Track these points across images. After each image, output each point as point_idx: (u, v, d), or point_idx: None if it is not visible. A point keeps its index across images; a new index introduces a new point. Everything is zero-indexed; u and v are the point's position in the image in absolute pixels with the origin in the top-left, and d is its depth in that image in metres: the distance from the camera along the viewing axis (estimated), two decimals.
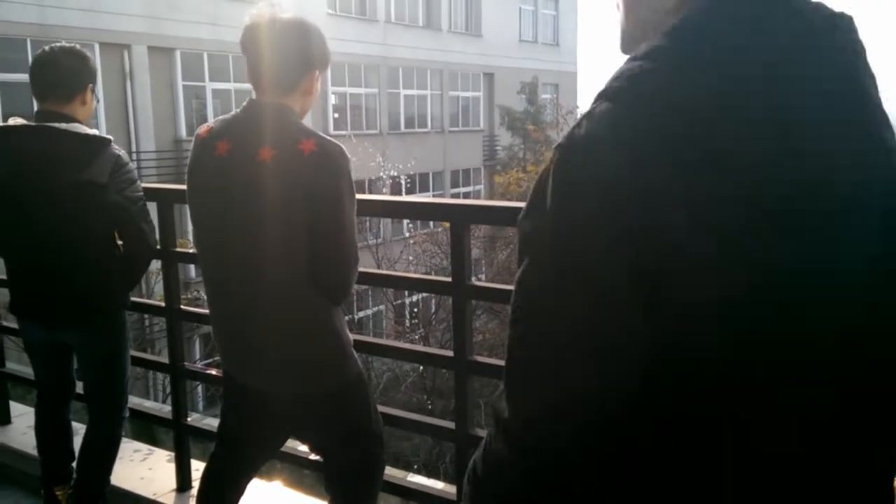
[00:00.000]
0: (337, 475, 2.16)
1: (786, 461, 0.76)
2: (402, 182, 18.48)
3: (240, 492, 2.20)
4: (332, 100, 19.87)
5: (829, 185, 0.75)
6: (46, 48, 2.50)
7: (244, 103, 1.94)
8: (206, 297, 2.08)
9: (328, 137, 1.89)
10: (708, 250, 0.70)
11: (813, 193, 0.74)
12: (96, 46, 13.50)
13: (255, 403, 2.06)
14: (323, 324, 1.96)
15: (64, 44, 2.53)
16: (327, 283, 1.92)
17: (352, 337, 2.09)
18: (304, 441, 2.18)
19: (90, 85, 2.55)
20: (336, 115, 19.91)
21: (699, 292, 0.71)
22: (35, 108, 2.50)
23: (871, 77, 0.82)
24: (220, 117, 1.99)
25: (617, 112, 0.74)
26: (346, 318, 2.17)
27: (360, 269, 2.05)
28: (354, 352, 2.07)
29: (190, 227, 2.10)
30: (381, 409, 2.61)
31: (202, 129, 1.98)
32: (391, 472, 2.53)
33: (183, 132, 15.49)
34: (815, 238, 0.73)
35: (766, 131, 0.73)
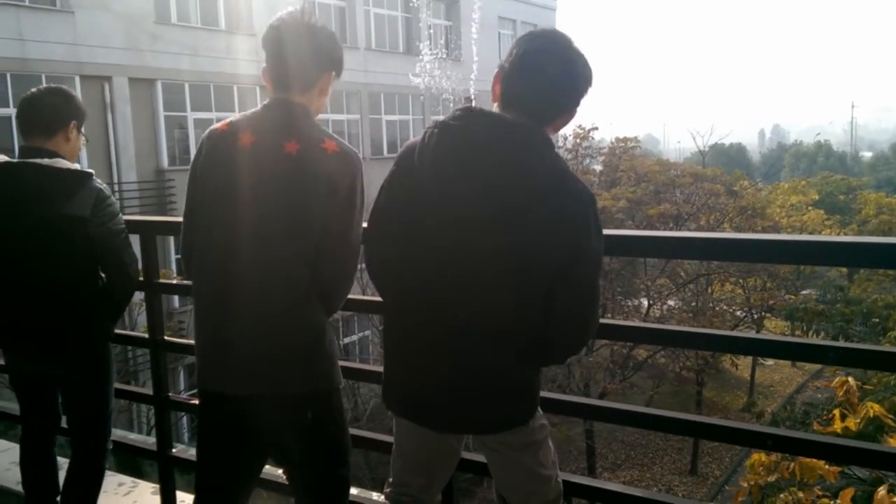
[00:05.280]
0: (308, 491, 2.14)
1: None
2: None
3: None
4: None
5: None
6: (34, 89, 2.56)
7: (265, 101, 2.00)
8: (194, 304, 2.03)
9: (345, 142, 1.99)
10: None
11: None
12: (77, 79, 13.51)
13: (237, 416, 2.02)
14: (321, 329, 2.01)
15: (51, 85, 2.60)
16: (330, 280, 1.99)
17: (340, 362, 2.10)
18: (280, 455, 2.15)
19: (73, 122, 2.57)
20: None
21: None
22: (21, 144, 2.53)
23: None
24: (238, 114, 2.02)
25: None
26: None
27: (348, 296, 2.11)
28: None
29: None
30: (368, 434, 2.61)
31: (217, 125, 2.01)
32: (375, 497, 2.52)
33: (165, 162, 15.44)
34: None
35: None
